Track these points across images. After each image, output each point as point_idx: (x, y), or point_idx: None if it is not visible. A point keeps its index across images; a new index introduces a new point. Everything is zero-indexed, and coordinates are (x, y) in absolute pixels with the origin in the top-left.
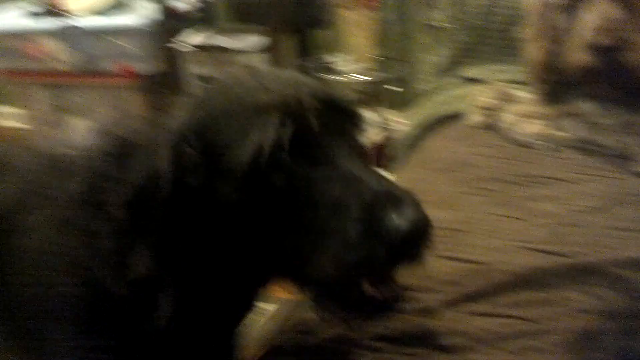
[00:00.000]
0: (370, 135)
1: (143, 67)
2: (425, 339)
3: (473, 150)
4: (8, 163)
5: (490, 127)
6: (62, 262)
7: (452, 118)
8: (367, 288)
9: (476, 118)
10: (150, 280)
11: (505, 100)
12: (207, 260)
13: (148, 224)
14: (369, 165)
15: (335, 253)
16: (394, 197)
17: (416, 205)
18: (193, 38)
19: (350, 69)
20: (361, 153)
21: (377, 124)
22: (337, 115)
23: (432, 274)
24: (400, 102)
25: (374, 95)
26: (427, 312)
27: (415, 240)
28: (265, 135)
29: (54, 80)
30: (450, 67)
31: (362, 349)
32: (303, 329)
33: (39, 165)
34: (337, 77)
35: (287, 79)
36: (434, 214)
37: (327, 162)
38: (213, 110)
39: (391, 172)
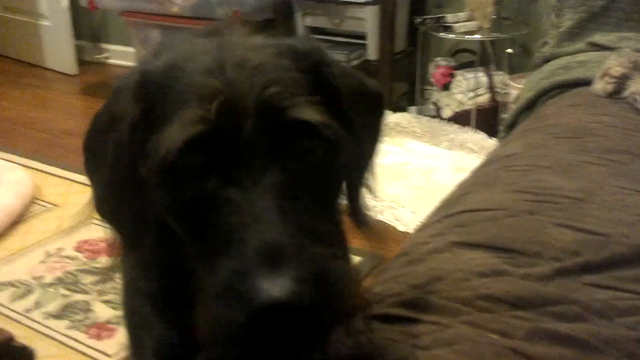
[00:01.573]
0: (479, 98)
1: (254, 14)
2: (537, 304)
3: (597, 119)
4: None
5: (616, 96)
6: None
7: (574, 84)
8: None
9: (601, 86)
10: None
11: (634, 69)
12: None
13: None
14: (296, 200)
15: (205, 301)
16: (278, 259)
17: (308, 275)
18: None
19: (466, 27)
20: (309, 174)
21: (488, 86)
22: (285, 129)
23: (550, 240)
24: (518, 65)
25: (489, 57)
26: (542, 278)
27: (283, 316)
28: (172, 132)
29: (168, 22)
30: (576, 31)
31: (469, 307)
32: (412, 282)
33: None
34: (452, 36)
35: (256, 65)
36: (553, 180)
37: (240, 184)
38: (162, 79)
39: (502, 135)
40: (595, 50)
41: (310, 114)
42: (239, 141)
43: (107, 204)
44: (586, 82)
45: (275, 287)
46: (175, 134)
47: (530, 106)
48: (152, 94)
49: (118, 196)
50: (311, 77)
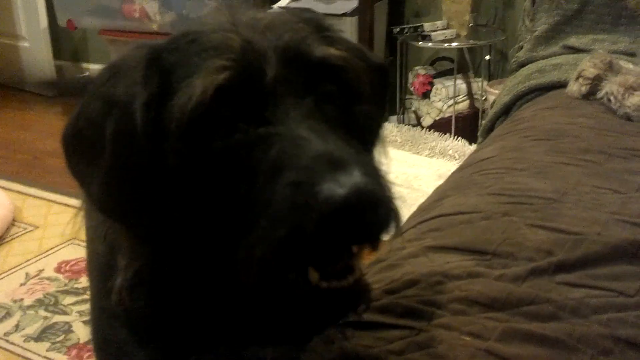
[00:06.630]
0: (458, 105)
1: None
2: (511, 305)
3: (572, 121)
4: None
5: (591, 97)
6: None
7: (549, 87)
8: (315, 279)
9: (576, 87)
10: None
11: (608, 70)
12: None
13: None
14: (337, 131)
15: (263, 229)
16: (338, 162)
17: (369, 174)
18: (284, 1)
19: (444, 36)
20: (337, 117)
21: (467, 93)
22: (308, 71)
23: (524, 241)
24: (496, 71)
25: (467, 64)
26: (516, 278)
27: (358, 213)
28: (199, 83)
29: (147, 39)
30: (551, 35)
31: (443, 310)
32: (386, 287)
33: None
34: (430, 44)
35: (267, 23)
36: (527, 182)
37: (275, 121)
38: (176, 46)
39: (480, 141)
40: (570, 53)
41: (331, 50)
42: (266, 85)
43: (113, 198)
44: (562, 85)
45: (346, 183)
46: (203, 83)
47: (506, 111)
48: (167, 65)
49: (129, 187)
50: (316, 36)
